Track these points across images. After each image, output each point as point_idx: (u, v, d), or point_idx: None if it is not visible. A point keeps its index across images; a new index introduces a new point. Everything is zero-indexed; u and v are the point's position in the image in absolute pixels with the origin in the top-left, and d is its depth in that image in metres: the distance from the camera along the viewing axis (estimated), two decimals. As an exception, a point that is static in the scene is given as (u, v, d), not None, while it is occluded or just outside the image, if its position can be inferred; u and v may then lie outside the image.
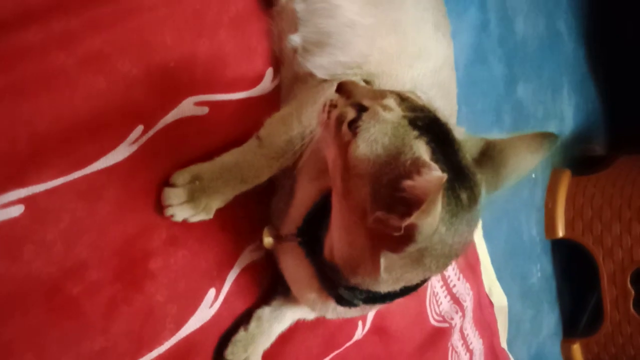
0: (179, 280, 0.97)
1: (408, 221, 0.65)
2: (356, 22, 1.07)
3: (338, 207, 0.81)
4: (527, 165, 0.84)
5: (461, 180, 0.74)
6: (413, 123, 0.75)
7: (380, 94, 0.79)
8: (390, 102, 0.77)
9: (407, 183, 0.68)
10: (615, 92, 2.92)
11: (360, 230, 0.76)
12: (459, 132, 0.80)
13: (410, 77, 1.09)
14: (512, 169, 0.82)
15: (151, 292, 0.93)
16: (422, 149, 0.72)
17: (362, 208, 0.75)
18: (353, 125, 0.76)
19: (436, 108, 0.80)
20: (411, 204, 0.66)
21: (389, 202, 0.71)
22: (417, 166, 0.69)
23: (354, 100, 0.79)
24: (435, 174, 0.66)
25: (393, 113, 0.75)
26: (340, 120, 0.78)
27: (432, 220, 0.66)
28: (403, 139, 0.73)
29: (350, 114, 0.78)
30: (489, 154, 0.81)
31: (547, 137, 0.85)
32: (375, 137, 0.74)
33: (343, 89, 0.82)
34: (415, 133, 0.74)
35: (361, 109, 0.78)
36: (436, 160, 0.71)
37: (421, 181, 0.67)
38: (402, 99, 0.78)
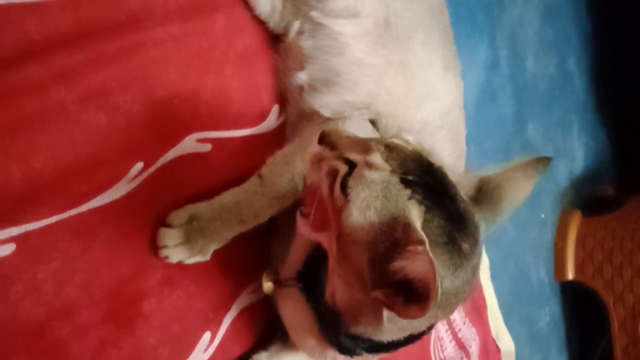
0: (173, 323, 0.94)
1: (411, 314, 0.66)
2: (364, 61, 1.06)
3: (336, 266, 0.77)
4: (525, 193, 0.82)
5: (461, 228, 0.71)
6: (404, 179, 0.71)
7: (366, 147, 0.74)
8: (376, 158, 0.72)
9: (399, 265, 0.67)
10: (625, 132, 2.88)
11: (359, 291, 0.73)
12: (456, 173, 0.78)
13: (419, 118, 1.08)
14: (509, 201, 0.80)
15: (143, 335, 0.90)
16: (413, 213, 0.69)
17: (360, 274, 0.72)
18: (344, 186, 0.72)
19: (428, 151, 0.76)
20: (410, 286, 0.67)
21: (387, 274, 0.69)
22: (407, 235, 0.67)
23: (340, 154, 0.75)
24: (425, 257, 0.64)
25: (380, 172, 0.71)
26: (332, 176, 0.74)
27: (434, 301, 0.65)
28: (396, 201, 0.70)
29: (342, 169, 0.73)
30: (485, 190, 0.79)
31: (541, 161, 0.84)
32: (367, 202, 0.70)
33: (326, 140, 0.77)
34: (408, 192, 0.70)
35: (349, 163, 0.74)
36: (432, 218, 0.69)
37: (414, 266, 0.65)
38: (390, 149, 0.73)
